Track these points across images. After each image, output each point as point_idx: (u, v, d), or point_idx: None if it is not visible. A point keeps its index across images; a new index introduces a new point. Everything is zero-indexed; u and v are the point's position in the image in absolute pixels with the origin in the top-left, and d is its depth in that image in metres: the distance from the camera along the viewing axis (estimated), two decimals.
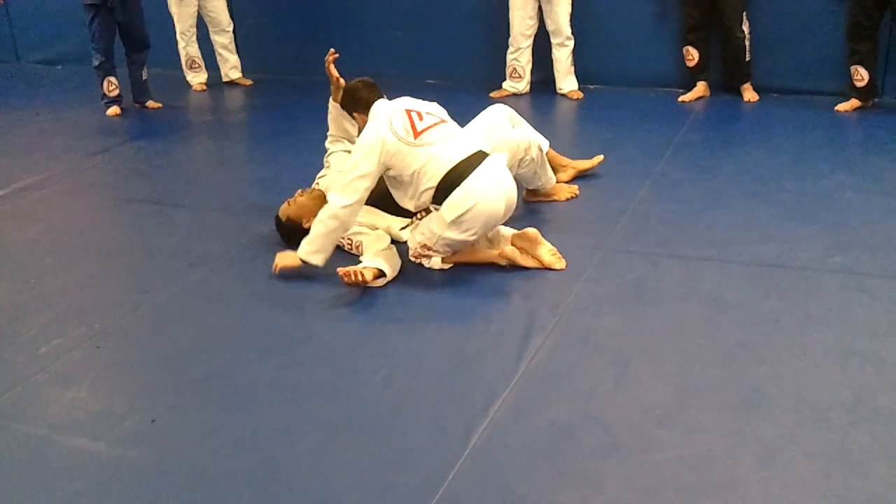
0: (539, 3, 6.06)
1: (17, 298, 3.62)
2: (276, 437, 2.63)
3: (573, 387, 2.81)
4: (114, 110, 6.44)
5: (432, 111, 3.66)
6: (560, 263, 3.56)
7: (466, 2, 6.65)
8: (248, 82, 7.19)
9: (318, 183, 4.11)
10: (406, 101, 3.68)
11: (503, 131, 4.02)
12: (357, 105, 3.74)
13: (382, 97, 3.72)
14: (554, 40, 6.13)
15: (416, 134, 3.50)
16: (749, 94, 5.90)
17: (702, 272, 3.51)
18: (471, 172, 3.43)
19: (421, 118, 3.56)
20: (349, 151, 3.82)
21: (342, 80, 4.02)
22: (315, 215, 3.65)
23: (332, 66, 4.06)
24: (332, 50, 4.08)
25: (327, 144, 4.24)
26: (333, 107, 4.11)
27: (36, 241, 4.24)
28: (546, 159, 4.13)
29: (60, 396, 2.89)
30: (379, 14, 6.94)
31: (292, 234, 3.84)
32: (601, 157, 4.53)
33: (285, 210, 3.90)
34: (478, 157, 3.50)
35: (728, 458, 2.43)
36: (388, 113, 3.57)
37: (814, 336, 3.00)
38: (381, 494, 2.36)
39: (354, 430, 2.66)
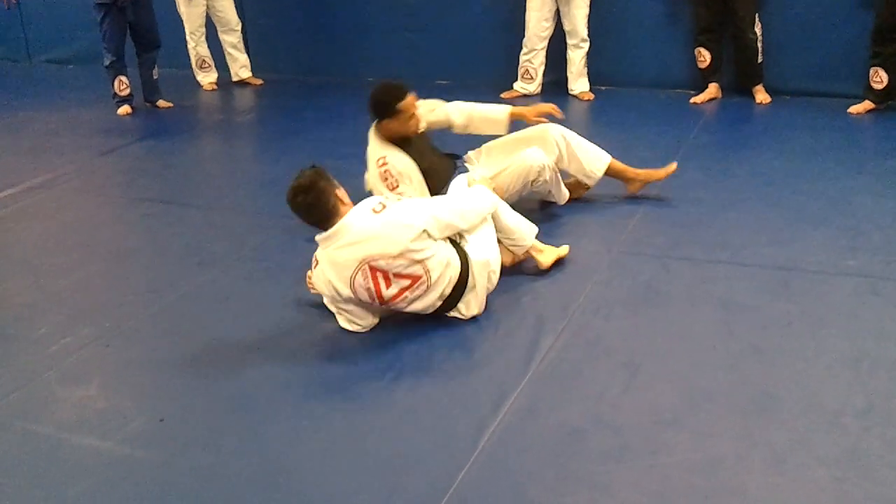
0: (557, 4, 6.04)
1: (27, 297, 3.62)
2: (284, 439, 2.62)
3: (583, 389, 2.79)
4: (125, 109, 6.46)
5: (405, 263, 3.03)
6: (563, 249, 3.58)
7: (477, 2, 6.64)
8: (259, 81, 7.20)
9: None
10: (371, 250, 3.01)
11: (522, 154, 3.86)
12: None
13: (333, 206, 3.05)
14: (570, 41, 6.11)
15: (382, 301, 3.10)
16: (761, 95, 5.86)
17: (713, 275, 3.49)
18: (453, 307, 3.22)
19: (388, 282, 3.04)
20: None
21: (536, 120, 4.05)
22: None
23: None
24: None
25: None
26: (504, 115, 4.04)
27: (46, 239, 4.25)
28: (559, 178, 3.99)
29: (69, 395, 2.90)
30: (389, 14, 6.93)
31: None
32: (675, 165, 4.25)
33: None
34: (457, 293, 3.18)
35: (738, 462, 2.41)
36: (351, 266, 3.03)
37: (826, 340, 2.98)
38: (388, 496, 2.35)
39: (362, 431, 2.65)
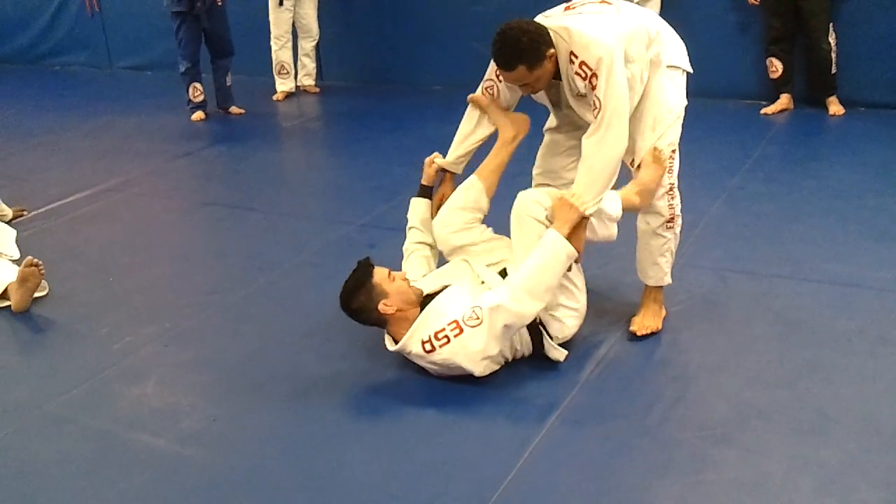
0: None
1: (94, 296, 3.74)
2: (333, 441, 2.65)
3: (631, 401, 2.76)
4: (198, 115, 6.63)
5: None
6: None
7: (540, 10, 6.62)
8: (316, 90, 7.32)
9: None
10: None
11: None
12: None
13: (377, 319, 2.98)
14: None
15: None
16: (834, 107, 5.72)
17: (773, 289, 3.42)
18: None
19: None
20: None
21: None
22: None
23: None
24: None
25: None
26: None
27: (115, 241, 4.38)
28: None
29: (127, 392, 2.98)
30: (455, 23, 6.98)
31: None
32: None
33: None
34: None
35: (786, 482, 2.35)
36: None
37: (886, 359, 2.89)
38: (431, 502, 2.36)
39: (408, 436, 2.67)
